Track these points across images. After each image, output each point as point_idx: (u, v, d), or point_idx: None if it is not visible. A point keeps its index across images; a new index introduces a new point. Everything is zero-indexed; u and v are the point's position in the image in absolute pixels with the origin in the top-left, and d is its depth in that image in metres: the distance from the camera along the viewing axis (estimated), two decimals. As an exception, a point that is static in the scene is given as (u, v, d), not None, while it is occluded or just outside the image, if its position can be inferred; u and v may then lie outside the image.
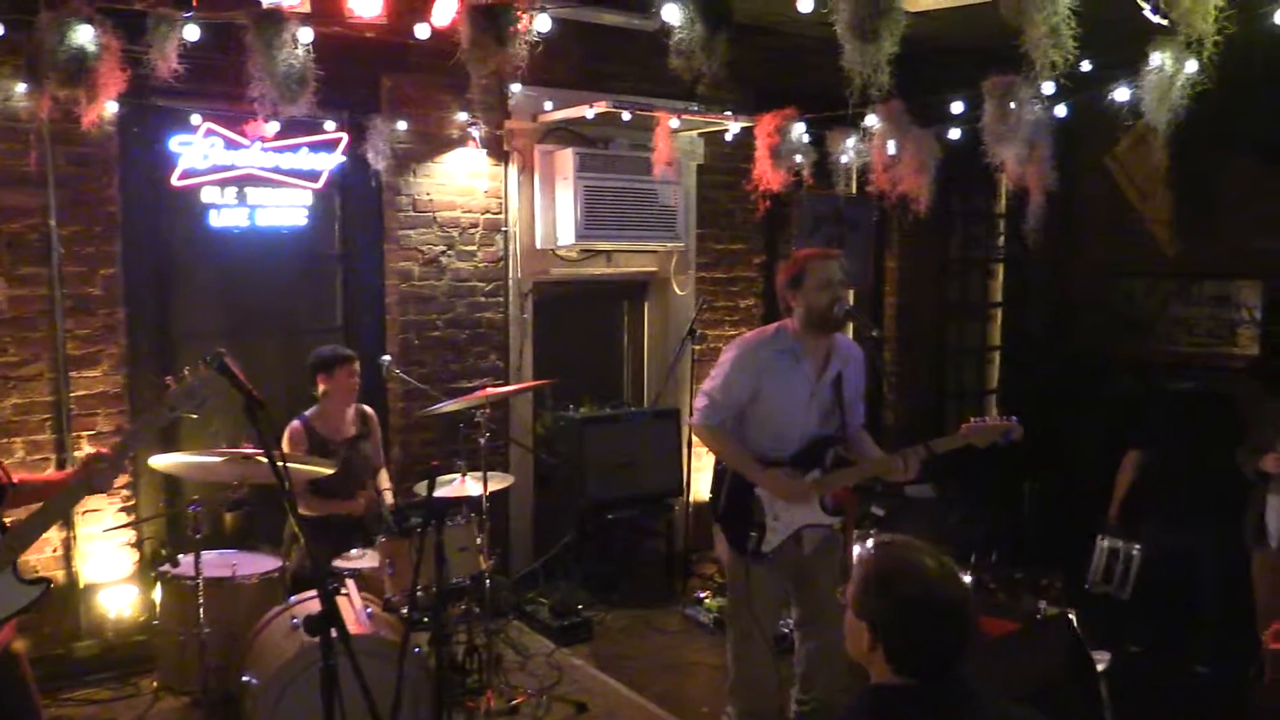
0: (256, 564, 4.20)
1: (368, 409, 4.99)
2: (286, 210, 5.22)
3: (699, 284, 6.60)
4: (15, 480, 3.11)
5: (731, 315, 6.79)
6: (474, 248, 5.78)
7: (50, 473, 3.41)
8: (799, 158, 5.54)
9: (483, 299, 5.83)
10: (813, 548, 3.91)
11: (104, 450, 3.01)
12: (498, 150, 5.78)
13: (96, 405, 4.76)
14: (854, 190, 6.66)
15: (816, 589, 3.97)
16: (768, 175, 5.42)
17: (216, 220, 5.07)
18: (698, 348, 6.40)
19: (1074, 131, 5.06)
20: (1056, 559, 5.33)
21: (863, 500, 5.91)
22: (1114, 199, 7.11)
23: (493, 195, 5.81)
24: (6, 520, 3.00)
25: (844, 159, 5.66)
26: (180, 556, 4.11)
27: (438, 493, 4.26)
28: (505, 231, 5.86)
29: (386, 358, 5.20)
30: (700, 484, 6.60)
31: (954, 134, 5.19)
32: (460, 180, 5.70)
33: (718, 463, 3.97)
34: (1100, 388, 7.05)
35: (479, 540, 4.32)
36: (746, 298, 6.87)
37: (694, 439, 5.63)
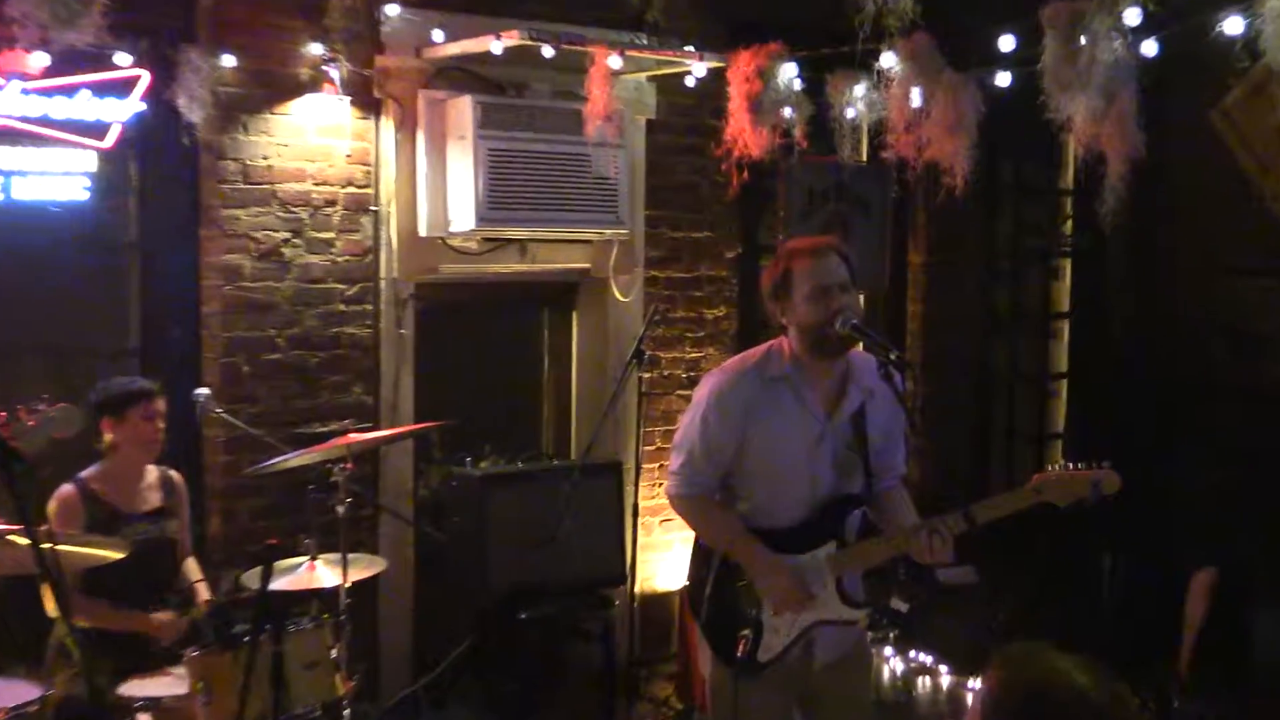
0: (4, 693, 4.03)
1: (175, 475, 4.93)
2: (59, 180, 5.11)
3: (649, 287, 6.59)
4: None
5: (695, 331, 6.78)
6: (331, 235, 5.72)
7: None
8: (788, 112, 5.55)
9: (343, 307, 5.76)
10: (830, 656, 3.90)
11: None
12: (366, 98, 5.73)
13: None
14: (864, 157, 6.72)
15: (836, 716, 3.96)
16: (745, 135, 5.44)
17: (-45, 192, 4.94)
18: (648, 375, 6.38)
19: (1168, 78, 5.13)
20: (1151, 665, 5.37)
21: (879, 588, 5.90)
22: (1223, 170, 7.23)
23: (358, 161, 5.76)
24: None
25: (850, 114, 5.69)
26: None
27: (275, 584, 4.16)
28: (376, 212, 5.80)
29: (203, 391, 5.12)
30: (653, 566, 6.58)
31: (1003, 80, 5.25)
32: (312, 140, 5.64)
33: (700, 541, 3.97)
34: (1208, 429, 7.15)
35: (335, 653, 4.24)
36: (715, 305, 6.85)
37: (639, 504, 5.60)
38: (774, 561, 3.78)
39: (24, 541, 3.42)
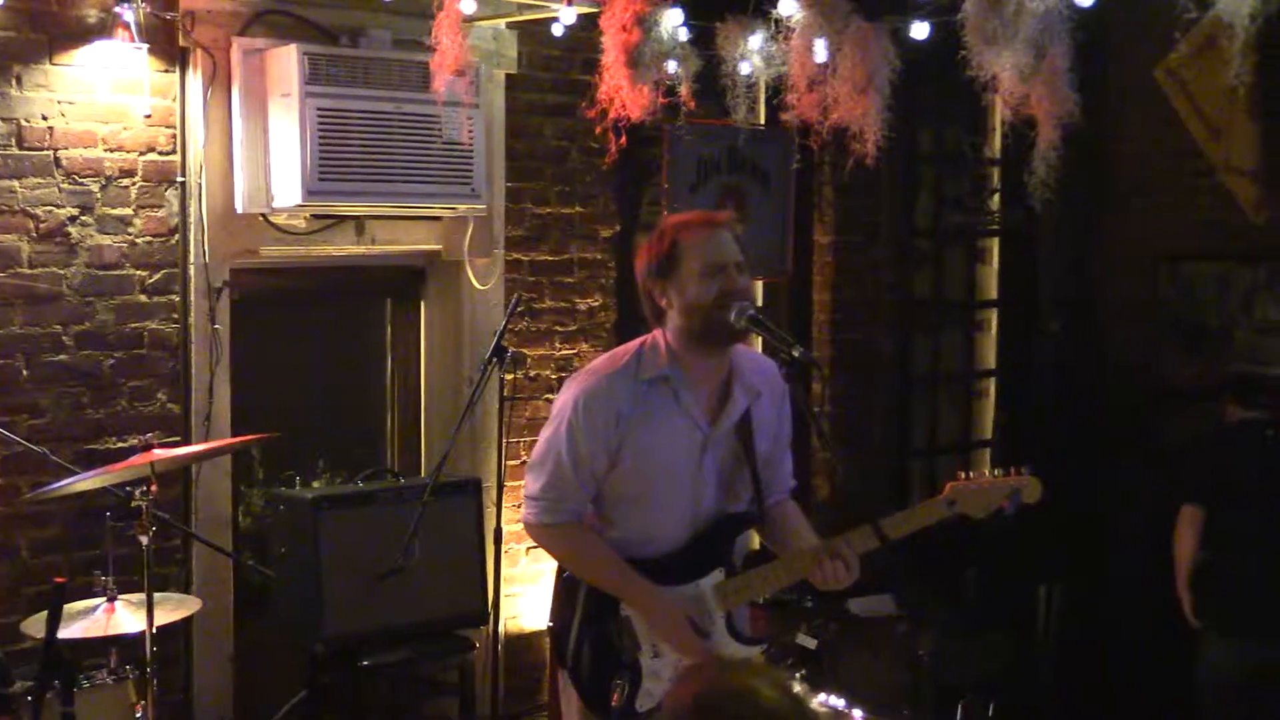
0: None
1: None
2: None
3: (511, 272, 6.62)
4: None
5: (566, 323, 6.83)
6: (128, 211, 5.65)
7: None
8: (673, 66, 5.57)
9: (144, 298, 5.70)
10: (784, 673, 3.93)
11: None
12: (169, 46, 5.68)
13: None
14: (760, 120, 6.79)
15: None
16: (622, 94, 5.45)
17: None
18: (510, 377, 6.34)
19: (1107, 31, 5.27)
20: (1090, 708, 5.52)
21: (781, 623, 5.98)
22: (1169, 136, 7.44)
23: (160, 123, 5.70)
24: None
25: (745, 69, 5.74)
26: None
27: (65, 631, 4.09)
28: (182, 185, 5.75)
29: (-28, 400, 5.03)
30: (519, 602, 6.59)
31: (919, 31, 5.34)
32: (102, 97, 5.57)
33: (563, 574, 4.00)
34: (1152, 431, 7.35)
35: (139, 713, 4.19)
36: (589, 294, 6.90)
37: (503, 529, 5.61)
38: (661, 596, 3.82)
39: None
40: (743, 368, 3.95)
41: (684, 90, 5.62)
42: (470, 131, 6.05)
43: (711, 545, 3.89)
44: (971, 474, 3.93)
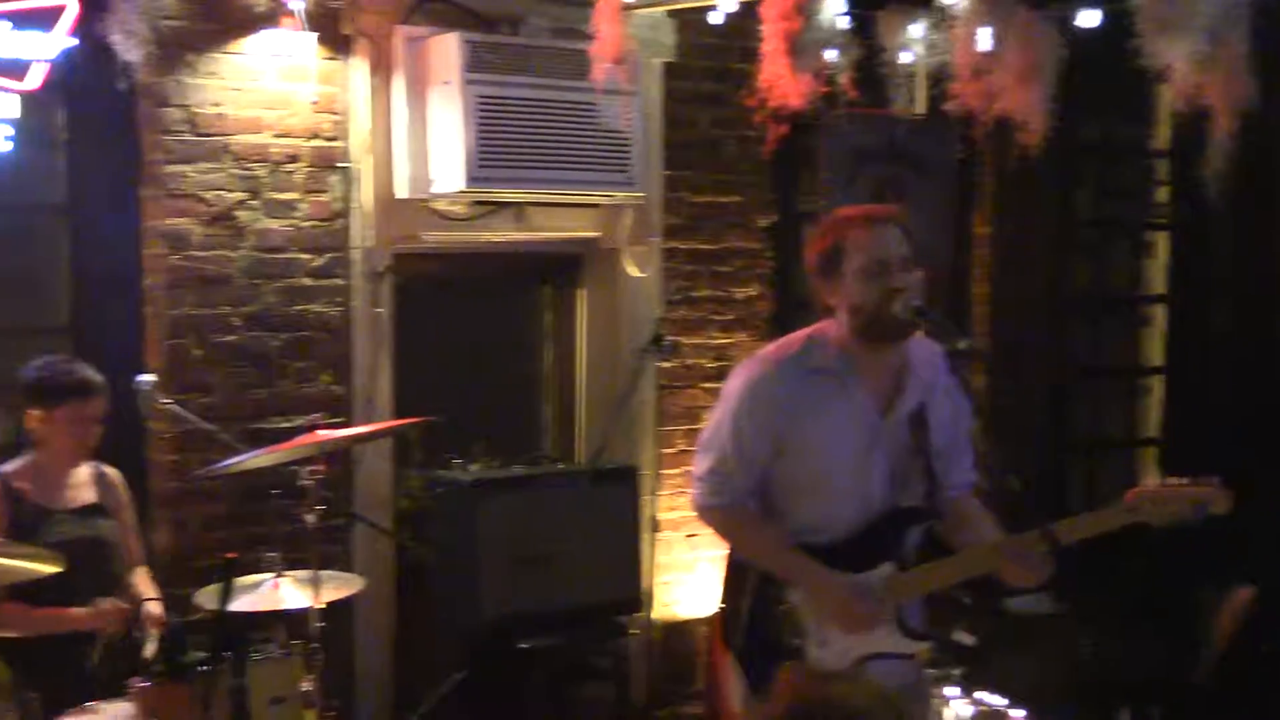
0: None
1: (109, 471, 4.96)
2: (-27, 129, 5.16)
3: (668, 260, 6.62)
4: None
5: (723, 312, 6.81)
6: (294, 196, 5.75)
7: None
8: (832, 55, 5.57)
9: (309, 281, 5.80)
10: (887, 689, 3.91)
11: None
12: (334, 34, 5.76)
13: None
14: (922, 110, 6.75)
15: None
16: (782, 83, 5.45)
17: None
18: (667, 365, 6.42)
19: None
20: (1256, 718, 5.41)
21: (940, 619, 5.93)
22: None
23: (325, 110, 5.79)
24: None
25: (906, 58, 5.71)
26: None
27: (235, 605, 4.21)
28: (346, 170, 5.84)
29: (146, 379, 5.15)
30: (674, 589, 6.60)
31: (1088, 20, 5.28)
32: (270, 84, 5.68)
33: (733, 557, 4.00)
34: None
35: (305, 685, 4.28)
36: (747, 283, 6.88)
37: (658, 517, 5.64)
38: (833, 576, 3.81)
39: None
40: (918, 360, 3.91)
41: (843, 79, 5.61)
42: (628, 119, 6.06)
43: (882, 538, 3.87)
44: (1155, 480, 3.84)
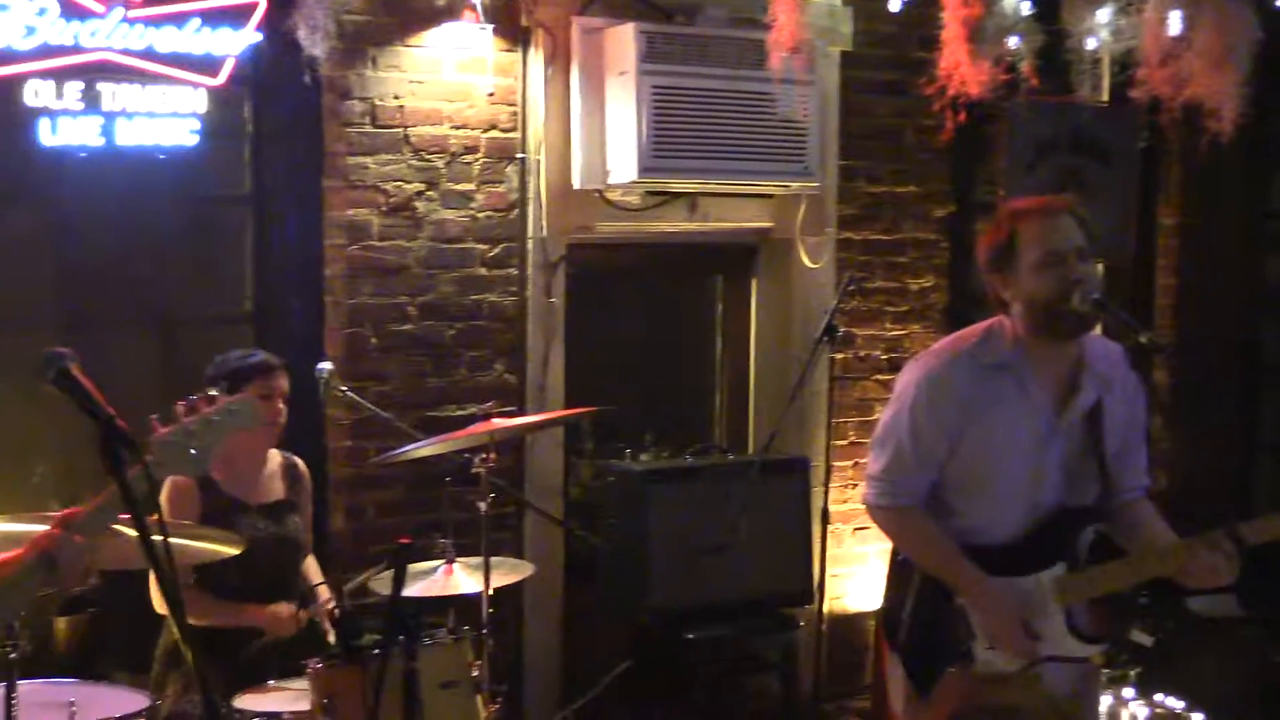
0: (108, 702, 4.19)
1: (299, 463, 5.06)
2: (165, 122, 5.26)
3: (843, 251, 6.59)
4: None
5: (897, 303, 6.77)
6: (471, 187, 5.82)
7: None
8: (1014, 41, 5.48)
9: (484, 271, 5.88)
10: (1055, 695, 3.80)
11: (66, 522, 3.05)
12: (512, 26, 5.81)
13: None
14: (1106, 96, 6.60)
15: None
16: (963, 70, 5.38)
17: (49, 136, 5.14)
18: (840, 356, 6.38)
19: None
20: None
21: (1115, 619, 5.81)
22: None
23: (502, 101, 5.85)
24: None
25: (1091, 44, 5.60)
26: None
27: (408, 590, 4.27)
28: (522, 161, 5.90)
29: (325, 366, 5.25)
30: (844, 583, 6.58)
31: (1284, 1, 5.13)
32: (449, 76, 5.75)
33: (897, 555, 3.98)
34: None
35: (475, 671, 4.33)
36: (922, 275, 6.83)
37: (829, 509, 5.60)
38: (996, 590, 3.75)
39: (131, 533, 3.59)
40: (1094, 356, 3.83)
41: (1025, 66, 5.52)
42: (805, 109, 6.02)
43: (1054, 538, 3.80)
44: None
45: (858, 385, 6.66)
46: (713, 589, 5.83)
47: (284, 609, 4.75)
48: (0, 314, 5.28)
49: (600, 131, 5.91)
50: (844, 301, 5.86)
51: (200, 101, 5.32)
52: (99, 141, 5.17)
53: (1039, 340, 3.76)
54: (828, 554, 5.77)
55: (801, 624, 6.06)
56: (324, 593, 4.95)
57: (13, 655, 3.74)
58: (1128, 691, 6.07)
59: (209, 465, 3.13)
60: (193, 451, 3.05)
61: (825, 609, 6.03)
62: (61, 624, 5.09)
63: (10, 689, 3.73)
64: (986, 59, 5.40)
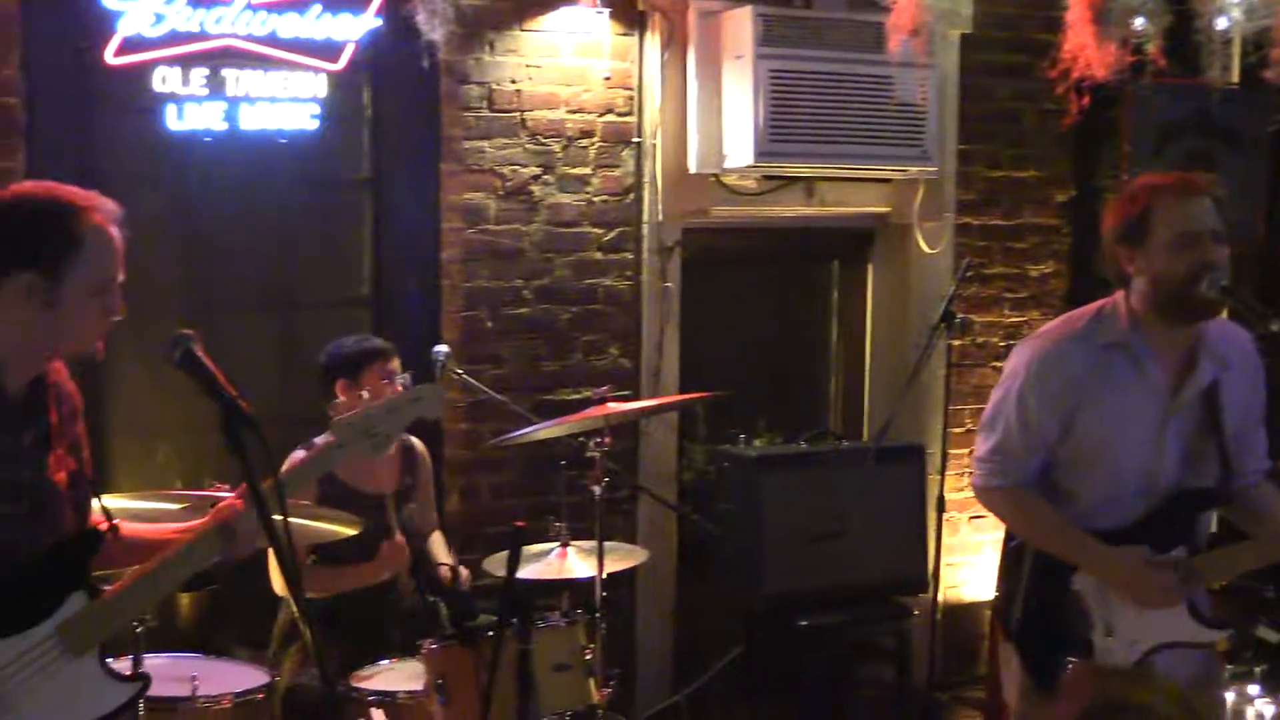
0: (229, 677, 4.27)
1: (417, 444, 5.10)
2: (286, 106, 5.35)
3: (961, 236, 6.55)
4: (117, 527, 3.31)
5: (1016, 290, 6.72)
6: (587, 171, 5.85)
7: (155, 527, 3.66)
8: (1140, 22, 5.38)
9: (599, 255, 5.90)
10: (1183, 690, 3.78)
11: (237, 502, 3.13)
12: (628, 10, 5.82)
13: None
14: (1236, 78, 6.46)
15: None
16: (1088, 52, 5.30)
17: (176, 121, 5.22)
18: (958, 343, 6.33)
19: None
20: None
21: (1237, 612, 5.70)
22: None
23: (619, 85, 5.87)
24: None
25: (1221, 24, 5.48)
26: (109, 661, 4.26)
27: (523, 572, 4.28)
28: (638, 145, 5.91)
29: (442, 350, 5.27)
30: (960, 571, 6.53)
31: None
32: (566, 60, 5.77)
33: (1010, 540, 3.93)
34: None
35: (588, 654, 4.34)
36: (1041, 260, 6.76)
37: (945, 497, 5.55)
38: (1125, 552, 3.69)
39: (255, 513, 3.64)
40: (1211, 336, 3.76)
41: (1152, 47, 5.42)
42: (923, 92, 5.99)
43: (1170, 521, 3.74)
44: None
45: (975, 372, 6.61)
46: (826, 576, 5.82)
47: (384, 547, 4.74)
48: (126, 296, 5.38)
49: (716, 115, 5.90)
50: (962, 287, 5.82)
51: (321, 86, 5.39)
52: (223, 126, 5.27)
53: (1158, 319, 3.69)
54: (943, 542, 5.73)
55: (916, 612, 6.03)
56: (445, 575, 4.99)
57: (138, 630, 3.82)
58: (1253, 688, 5.96)
59: (389, 450, 3.20)
60: (374, 435, 3.13)
61: (940, 598, 5.99)
62: (184, 600, 5.19)
63: (137, 662, 3.81)
64: (1112, 40, 5.32)
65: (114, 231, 3.06)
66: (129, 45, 5.06)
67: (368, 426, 3.11)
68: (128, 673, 3.20)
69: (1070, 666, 3.70)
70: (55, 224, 2.99)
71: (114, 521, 3.28)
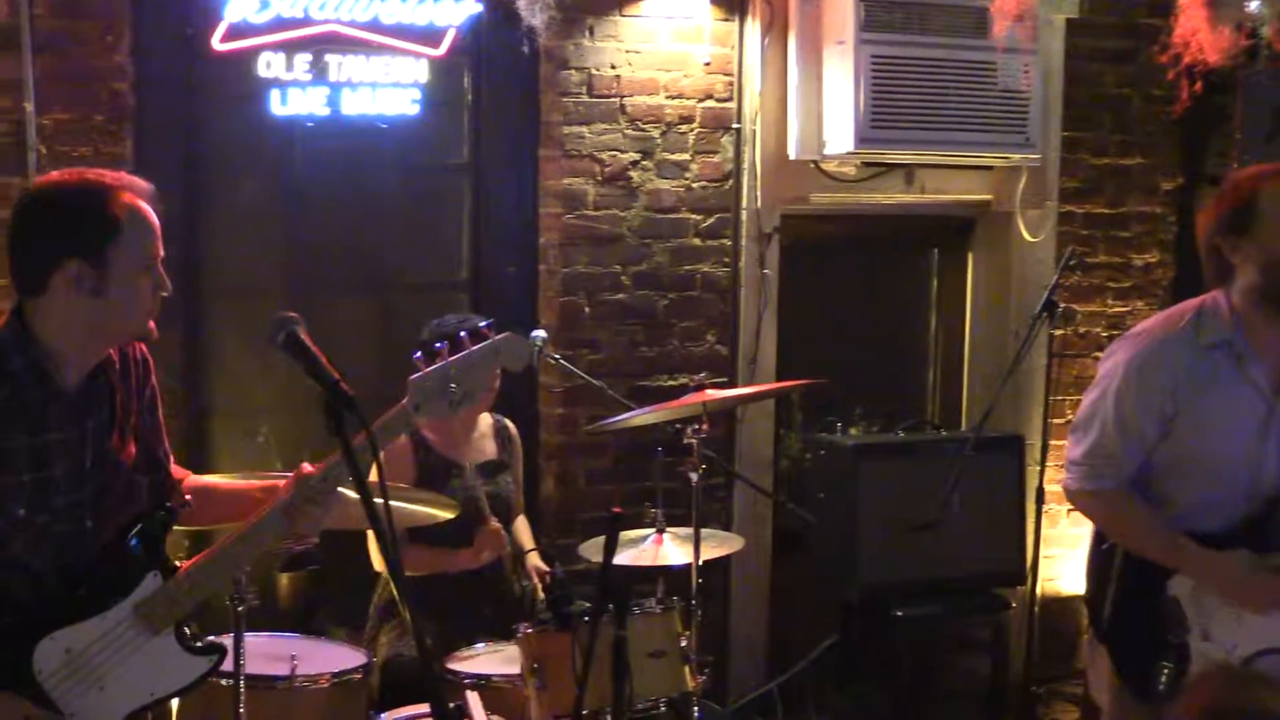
0: (328, 656, 4.33)
1: (509, 424, 5.14)
2: (387, 91, 5.41)
3: (1064, 225, 6.50)
4: (187, 497, 3.39)
5: (1120, 279, 6.65)
6: (686, 157, 5.85)
7: (223, 480, 3.71)
8: (1256, 4, 5.28)
9: (698, 241, 5.91)
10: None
11: (312, 473, 3.15)
12: (729, -7, 5.83)
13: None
14: (1353, 65, 6.34)
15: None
16: (1199, 36, 5.21)
17: (280, 106, 5.29)
18: (1060, 333, 6.26)
19: None
20: None
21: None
22: None
23: (719, 71, 5.86)
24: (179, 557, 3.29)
25: (1340, 6, 5.38)
26: (210, 639, 4.32)
27: (618, 558, 4.27)
28: (738, 131, 5.91)
29: (539, 334, 5.27)
30: (1058, 565, 6.47)
31: None
32: (665, 45, 5.77)
33: (1100, 541, 3.89)
34: None
35: (684, 642, 4.34)
36: (1146, 250, 6.68)
37: (1044, 489, 5.50)
38: (1228, 555, 3.63)
39: (353, 495, 3.67)
40: None
41: (1269, 30, 5.32)
42: (1027, 78, 5.93)
43: (1270, 525, 3.68)
44: None
45: (1077, 363, 6.54)
46: (923, 567, 5.79)
47: (480, 534, 4.79)
48: (230, 278, 5.46)
49: (817, 101, 5.89)
50: (1064, 276, 5.77)
51: (422, 72, 5.44)
52: (325, 112, 5.34)
53: (1261, 315, 3.62)
54: (1042, 535, 5.67)
55: (1013, 605, 5.99)
56: (534, 559, 5.02)
57: (239, 609, 3.87)
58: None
59: (473, 404, 3.18)
60: (453, 390, 3.06)
61: (1038, 590, 5.94)
62: (284, 580, 5.25)
63: (238, 640, 3.87)
64: (1226, 24, 5.22)
65: (149, 209, 3.06)
66: (234, 31, 5.14)
67: (444, 383, 3.06)
68: (200, 644, 3.23)
69: (1168, 669, 3.65)
70: (90, 208, 2.99)
71: (187, 499, 3.34)
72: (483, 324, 3.05)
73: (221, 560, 3.19)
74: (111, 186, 3.02)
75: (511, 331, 3.19)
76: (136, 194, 3.05)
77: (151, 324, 3.13)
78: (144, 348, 3.26)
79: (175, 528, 3.29)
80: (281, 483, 3.20)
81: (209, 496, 3.46)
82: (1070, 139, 6.46)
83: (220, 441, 5.43)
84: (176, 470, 3.45)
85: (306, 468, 3.15)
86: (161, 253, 3.08)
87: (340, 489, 3.28)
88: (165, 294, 3.11)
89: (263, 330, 2.93)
